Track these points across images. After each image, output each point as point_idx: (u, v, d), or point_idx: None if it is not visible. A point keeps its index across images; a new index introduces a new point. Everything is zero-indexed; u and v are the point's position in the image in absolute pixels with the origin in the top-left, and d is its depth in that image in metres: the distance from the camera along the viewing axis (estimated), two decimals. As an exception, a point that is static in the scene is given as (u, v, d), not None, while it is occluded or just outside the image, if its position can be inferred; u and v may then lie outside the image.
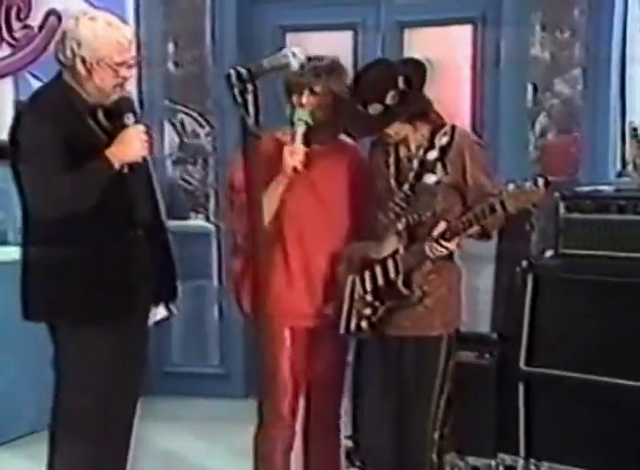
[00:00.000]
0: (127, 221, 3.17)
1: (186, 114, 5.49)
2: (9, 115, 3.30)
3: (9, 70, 5.60)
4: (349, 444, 3.90)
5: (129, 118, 3.14)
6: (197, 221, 5.51)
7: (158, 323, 3.34)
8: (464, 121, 4.89)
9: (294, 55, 2.53)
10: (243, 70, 2.37)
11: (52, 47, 3.35)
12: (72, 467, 3.21)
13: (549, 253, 3.89)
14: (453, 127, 3.25)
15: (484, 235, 3.20)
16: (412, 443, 3.29)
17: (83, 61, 3.06)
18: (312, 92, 3.26)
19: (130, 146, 3.11)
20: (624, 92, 4.76)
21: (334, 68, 3.29)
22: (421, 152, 3.23)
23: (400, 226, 3.20)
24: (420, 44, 5.16)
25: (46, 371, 3.25)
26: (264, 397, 2.73)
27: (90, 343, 3.13)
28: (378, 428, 3.39)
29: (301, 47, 2.63)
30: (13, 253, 3.27)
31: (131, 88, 3.99)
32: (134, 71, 3.31)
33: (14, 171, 3.15)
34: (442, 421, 3.28)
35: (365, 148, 3.43)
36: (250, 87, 2.36)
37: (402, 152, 3.26)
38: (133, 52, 3.19)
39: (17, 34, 5.56)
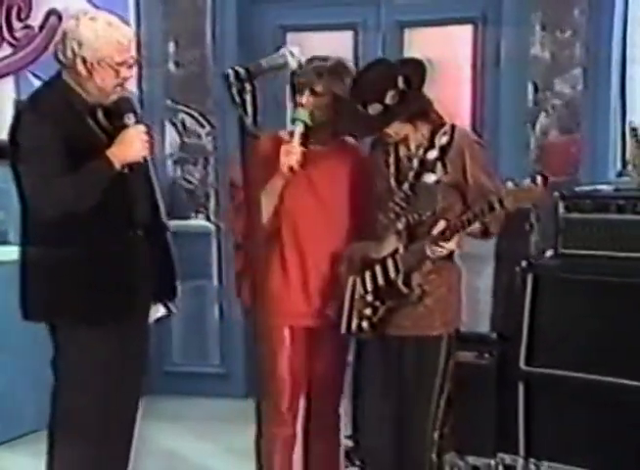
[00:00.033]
0: (127, 221, 3.18)
1: (187, 113, 5.49)
2: (10, 114, 3.30)
3: (9, 70, 5.61)
4: (349, 443, 3.91)
5: (130, 118, 3.14)
6: (197, 221, 5.51)
7: (157, 322, 3.34)
8: (464, 121, 4.89)
9: (292, 54, 2.53)
10: (241, 70, 2.37)
11: (52, 47, 3.35)
12: (72, 467, 3.21)
13: (549, 253, 3.89)
14: (453, 127, 3.25)
15: (486, 233, 3.20)
16: (412, 442, 3.29)
17: (84, 61, 3.07)
18: (313, 92, 3.26)
19: (131, 146, 3.12)
20: (625, 92, 4.76)
21: (337, 69, 3.28)
22: (421, 151, 3.23)
23: (400, 226, 3.20)
24: (420, 44, 5.16)
25: (46, 371, 3.25)
26: (263, 396, 2.72)
27: (90, 343, 3.13)
28: (378, 427, 3.39)
29: (302, 47, 2.64)
30: (13, 253, 3.27)
31: (132, 88, 4.00)
32: (134, 71, 3.32)
33: (14, 171, 3.15)
34: (442, 421, 3.28)
35: (366, 148, 3.43)
36: (248, 87, 2.36)
37: (402, 151, 3.26)
38: (133, 52, 3.19)
39: (17, 34, 5.57)
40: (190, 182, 5.55)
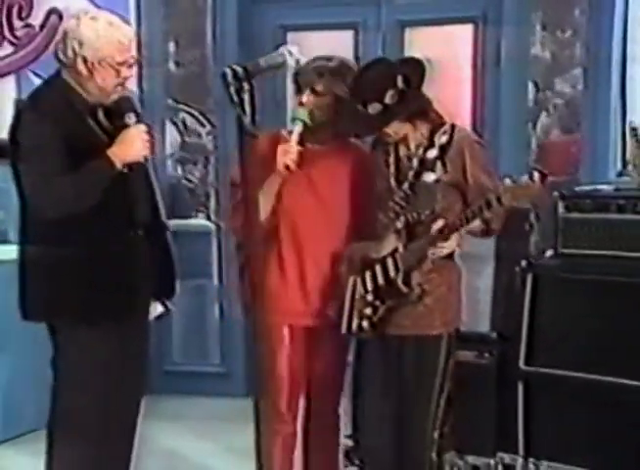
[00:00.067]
0: (127, 221, 3.18)
1: (187, 113, 5.49)
2: (11, 114, 3.30)
3: (10, 69, 5.61)
4: (349, 443, 3.91)
5: (131, 118, 3.14)
6: (197, 220, 5.52)
7: (155, 320, 3.34)
8: (465, 121, 4.89)
9: (290, 53, 2.53)
10: (239, 69, 2.36)
11: (53, 46, 3.35)
12: (71, 467, 3.21)
13: (549, 252, 3.89)
14: (453, 126, 3.26)
15: (487, 231, 3.20)
16: (412, 442, 3.29)
17: (85, 60, 3.07)
18: (313, 91, 3.27)
19: (132, 146, 3.12)
20: (625, 92, 4.76)
21: (339, 69, 3.28)
22: (420, 151, 3.24)
23: (399, 225, 3.21)
24: (421, 43, 5.16)
25: (47, 370, 3.25)
26: (262, 395, 2.73)
27: (90, 343, 3.13)
28: (378, 427, 3.39)
29: (302, 47, 2.64)
30: (13, 252, 3.26)
31: (132, 87, 4.00)
32: (134, 71, 3.32)
33: (13, 170, 3.15)
34: (442, 420, 3.28)
35: (367, 148, 3.44)
36: (246, 86, 2.35)
37: (402, 151, 3.26)
38: (134, 51, 3.20)
39: (18, 33, 5.57)
40: (190, 181, 5.55)
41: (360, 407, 3.79)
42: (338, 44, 5.13)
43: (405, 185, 3.23)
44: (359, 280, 3.27)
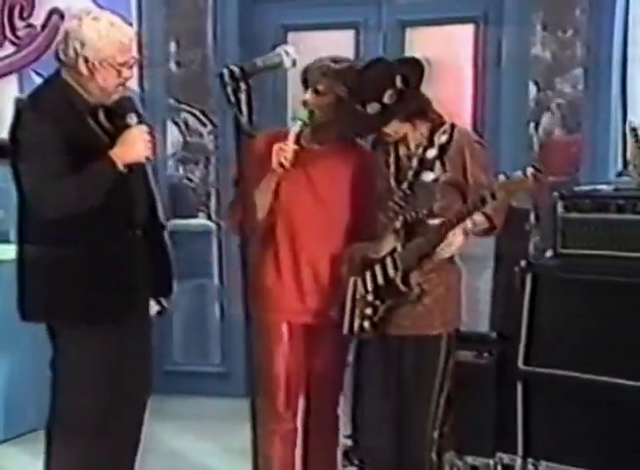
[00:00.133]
0: (127, 221, 3.18)
1: (189, 112, 5.50)
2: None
3: (12, 69, 5.61)
4: (349, 443, 3.91)
5: (132, 119, 3.14)
6: (198, 220, 5.52)
7: (154, 318, 3.35)
8: (465, 120, 4.89)
9: (286, 54, 2.53)
10: (236, 69, 2.36)
11: (54, 46, 3.35)
12: (70, 467, 3.21)
13: (549, 253, 3.89)
14: (453, 126, 3.26)
15: (491, 228, 3.20)
16: (412, 442, 3.29)
17: (86, 61, 3.07)
18: (315, 91, 3.28)
19: (133, 147, 3.12)
20: (626, 92, 4.76)
21: (344, 71, 3.27)
22: (420, 150, 3.24)
23: (398, 224, 3.21)
24: (421, 43, 5.15)
25: (47, 370, 3.25)
26: (261, 393, 2.74)
27: (89, 343, 3.13)
28: (377, 427, 3.39)
29: (303, 46, 2.64)
30: (14, 252, 3.26)
31: (133, 87, 4.00)
32: (135, 71, 3.32)
33: (14, 170, 3.15)
34: (442, 420, 3.28)
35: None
36: (243, 86, 2.36)
37: (402, 151, 3.27)
38: (134, 52, 3.20)
39: (20, 33, 5.57)
40: (191, 181, 5.56)
41: (360, 407, 3.79)
42: (339, 44, 5.13)
43: (404, 185, 3.24)
44: (359, 280, 3.27)
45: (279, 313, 3.35)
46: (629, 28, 4.72)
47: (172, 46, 5.48)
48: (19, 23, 5.57)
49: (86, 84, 3.11)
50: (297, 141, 3.23)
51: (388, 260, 3.21)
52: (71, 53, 3.08)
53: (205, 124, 5.48)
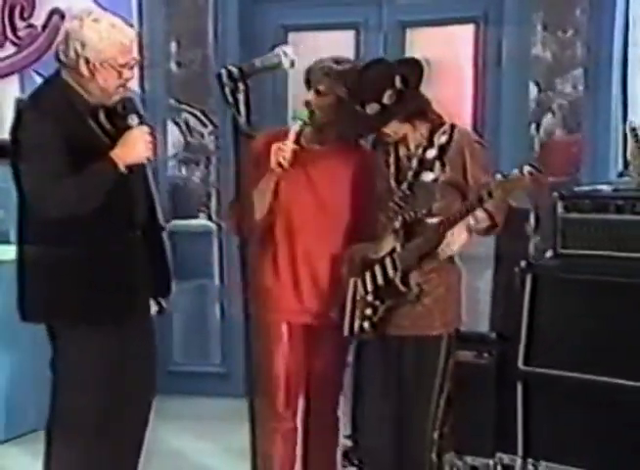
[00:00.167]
0: (127, 222, 3.18)
1: (190, 113, 5.50)
2: (14, 113, 3.31)
3: (13, 70, 5.61)
4: (348, 443, 3.91)
5: (133, 120, 3.14)
6: (199, 220, 5.52)
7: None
8: (465, 121, 4.89)
9: (285, 54, 2.53)
10: (234, 70, 2.36)
11: (55, 46, 3.35)
12: (69, 467, 3.21)
13: (549, 253, 3.89)
14: (452, 126, 3.27)
15: (492, 226, 3.21)
16: (412, 442, 3.30)
17: (87, 62, 3.07)
18: (317, 91, 3.28)
19: (134, 148, 3.12)
20: (626, 92, 4.75)
21: (346, 72, 3.27)
22: (420, 151, 3.25)
23: (397, 224, 3.21)
24: (422, 44, 5.16)
25: (48, 370, 3.25)
26: (260, 392, 2.74)
27: (89, 344, 3.13)
28: (377, 427, 3.39)
29: (304, 47, 2.64)
30: (14, 252, 3.27)
31: (134, 87, 4.00)
32: (135, 72, 3.32)
33: (14, 170, 3.15)
34: (442, 420, 3.28)
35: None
36: (241, 86, 2.36)
37: (402, 151, 3.27)
38: (135, 53, 3.20)
39: (20, 33, 5.57)
40: (192, 181, 5.56)
41: (360, 408, 3.79)
42: (339, 44, 5.14)
43: (404, 185, 3.24)
44: (359, 281, 3.27)
45: (278, 313, 3.35)
46: (630, 28, 4.72)
47: (173, 46, 5.48)
48: (19, 24, 5.58)
49: (87, 85, 3.11)
50: (297, 141, 3.24)
51: (388, 261, 3.21)
52: (72, 54, 3.08)
53: (205, 125, 5.49)
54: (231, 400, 4.99)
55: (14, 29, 5.58)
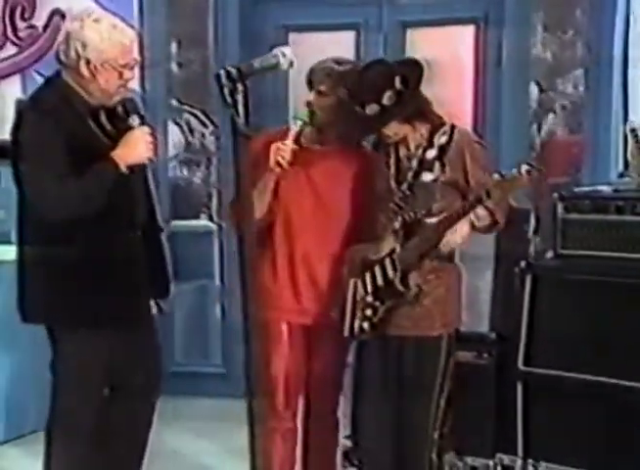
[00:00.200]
0: (128, 222, 3.18)
1: (190, 113, 5.50)
2: (16, 114, 3.32)
3: (14, 70, 5.62)
4: (348, 443, 3.91)
5: (134, 120, 3.14)
6: (199, 221, 5.53)
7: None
8: (466, 121, 4.90)
9: (283, 55, 2.53)
10: (232, 70, 2.36)
11: (56, 47, 3.36)
12: (69, 468, 3.21)
13: (549, 253, 3.89)
14: (452, 127, 3.27)
15: (493, 224, 3.21)
16: (412, 442, 3.30)
17: (88, 62, 3.07)
18: (318, 92, 3.28)
19: (136, 148, 3.12)
20: (627, 92, 4.76)
21: (347, 73, 3.27)
22: (420, 151, 3.25)
23: (397, 225, 3.22)
24: (422, 44, 5.16)
25: (48, 371, 3.25)
26: (259, 392, 2.73)
27: (89, 347, 3.13)
28: (378, 428, 3.39)
29: (304, 47, 2.64)
30: (15, 252, 3.27)
31: (135, 87, 4.01)
32: (136, 72, 3.32)
33: (15, 170, 3.15)
34: (442, 421, 3.29)
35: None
36: (240, 87, 2.35)
37: (402, 152, 3.28)
38: (135, 53, 3.20)
39: (21, 34, 5.58)
40: (193, 182, 5.56)
41: (360, 408, 3.78)
42: (339, 45, 5.14)
43: (404, 186, 3.24)
44: (360, 282, 3.28)
45: (278, 312, 3.35)
46: (630, 29, 4.72)
47: (174, 47, 5.49)
48: (20, 24, 5.58)
49: (87, 86, 3.11)
50: (297, 141, 3.24)
51: (387, 261, 3.21)
52: (73, 55, 3.08)
53: (206, 125, 5.49)
54: (232, 401, 4.97)
55: (15, 30, 5.59)
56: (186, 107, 5.50)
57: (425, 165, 3.22)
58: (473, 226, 3.18)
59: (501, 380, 3.80)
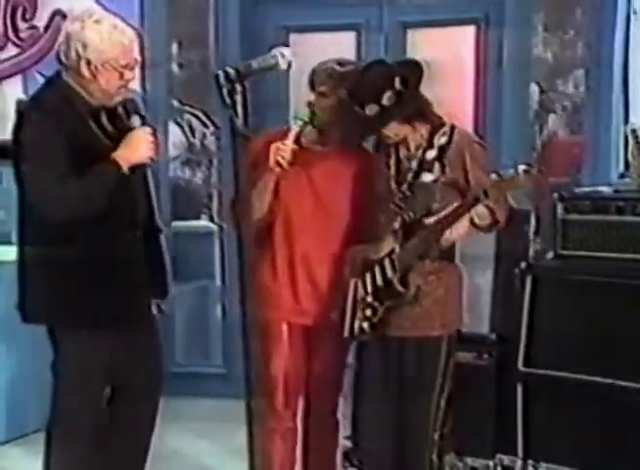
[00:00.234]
0: (129, 223, 3.18)
1: (191, 114, 5.50)
2: (17, 114, 3.32)
3: (15, 70, 5.62)
4: (348, 444, 3.91)
5: (136, 121, 3.15)
6: (200, 221, 5.53)
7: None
8: (466, 121, 4.90)
9: (282, 55, 2.53)
10: (231, 71, 2.36)
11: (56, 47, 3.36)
12: (68, 468, 3.21)
13: (549, 254, 3.89)
14: (452, 127, 3.27)
15: (494, 223, 3.21)
16: (412, 443, 3.30)
17: (88, 63, 3.07)
18: (319, 93, 3.28)
19: (137, 148, 3.12)
20: (627, 93, 4.76)
21: (348, 74, 3.27)
22: (420, 152, 3.25)
23: (396, 225, 3.22)
24: (423, 45, 5.16)
25: (50, 371, 3.26)
26: (259, 392, 2.74)
27: (90, 348, 3.13)
28: (378, 428, 3.39)
29: (305, 48, 2.64)
30: (15, 253, 3.27)
31: (135, 87, 4.01)
32: (136, 73, 3.33)
33: (16, 171, 3.15)
34: (442, 421, 3.29)
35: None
36: (238, 88, 2.35)
37: (402, 153, 3.28)
38: (136, 54, 3.20)
39: (22, 34, 5.57)
40: (194, 182, 5.56)
41: (360, 408, 3.78)
42: (340, 45, 5.14)
43: (404, 186, 3.24)
44: (360, 282, 3.28)
45: (277, 312, 3.35)
46: (630, 29, 4.72)
47: (174, 47, 5.48)
48: (21, 25, 5.58)
49: (88, 86, 3.11)
50: (297, 141, 3.24)
51: (387, 262, 3.22)
52: (73, 55, 3.08)
53: (207, 125, 5.49)
54: (232, 401, 4.97)
55: (16, 30, 5.59)
56: (187, 107, 5.50)
57: (425, 166, 3.22)
58: (474, 224, 3.18)
59: (501, 381, 3.80)
